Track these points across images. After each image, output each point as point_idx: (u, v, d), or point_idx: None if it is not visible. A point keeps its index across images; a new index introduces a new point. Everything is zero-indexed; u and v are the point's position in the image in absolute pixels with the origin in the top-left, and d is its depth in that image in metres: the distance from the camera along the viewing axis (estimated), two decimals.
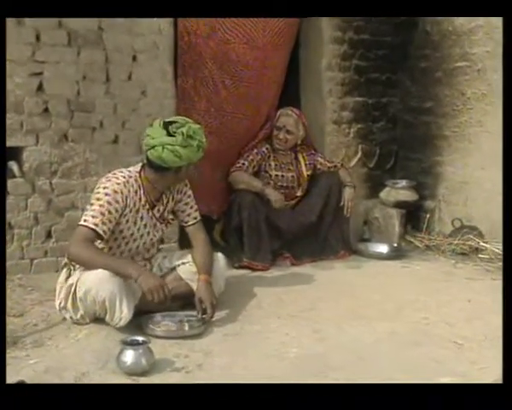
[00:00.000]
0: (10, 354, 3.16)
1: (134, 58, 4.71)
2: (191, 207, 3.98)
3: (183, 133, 3.59)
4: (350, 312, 4.02)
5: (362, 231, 5.89)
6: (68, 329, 3.56)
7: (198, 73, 5.00)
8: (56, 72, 4.43)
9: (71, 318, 3.62)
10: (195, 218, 3.99)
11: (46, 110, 4.44)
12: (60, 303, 3.65)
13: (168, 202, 3.90)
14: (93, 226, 3.51)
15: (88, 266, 3.49)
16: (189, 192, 3.98)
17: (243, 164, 5.15)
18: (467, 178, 5.76)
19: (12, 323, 3.56)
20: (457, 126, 5.78)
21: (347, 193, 5.31)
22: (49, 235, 4.54)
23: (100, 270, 3.42)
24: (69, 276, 3.66)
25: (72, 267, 3.67)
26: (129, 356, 3.01)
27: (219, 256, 4.03)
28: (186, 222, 3.98)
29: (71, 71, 4.49)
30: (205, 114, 5.08)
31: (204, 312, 3.63)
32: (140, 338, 3.15)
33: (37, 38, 4.35)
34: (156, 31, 4.74)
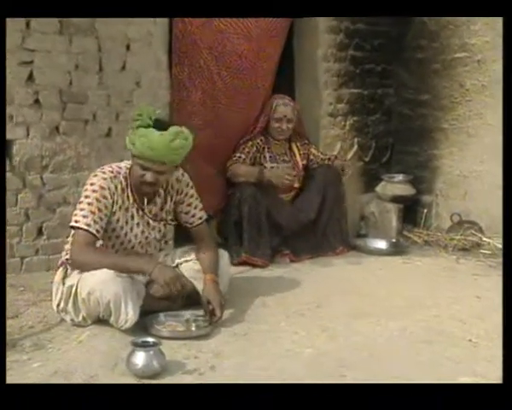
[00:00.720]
0: (10, 357, 2.99)
1: (128, 47, 4.52)
2: (195, 207, 3.80)
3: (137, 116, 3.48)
4: (357, 309, 3.90)
5: (359, 226, 5.76)
6: (68, 331, 3.39)
7: (193, 62, 4.81)
8: (47, 61, 4.23)
9: (71, 320, 3.44)
10: (201, 217, 3.82)
11: (37, 101, 4.23)
12: (58, 305, 3.47)
13: (166, 202, 3.72)
14: (85, 227, 3.35)
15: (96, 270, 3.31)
16: (191, 192, 3.79)
17: (239, 157, 5.01)
18: (465, 171, 5.68)
19: (8, 325, 3.35)
20: (455, 119, 5.70)
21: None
22: (40, 232, 4.34)
23: (104, 270, 3.26)
24: (65, 275, 3.50)
25: (68, 267, 3.50)
26: (140, 358, 2.85)
27: (223, 253, 3.89)
28: (191, 223, 3.80)
29: (63, 60, 4.28)
30: (200, 106, 4.90)
31: (212, 313, 3.47)
32: (150, 339, 3.00)
33: (27, 25, 4.14)
34: (150, 18, 4.54)
